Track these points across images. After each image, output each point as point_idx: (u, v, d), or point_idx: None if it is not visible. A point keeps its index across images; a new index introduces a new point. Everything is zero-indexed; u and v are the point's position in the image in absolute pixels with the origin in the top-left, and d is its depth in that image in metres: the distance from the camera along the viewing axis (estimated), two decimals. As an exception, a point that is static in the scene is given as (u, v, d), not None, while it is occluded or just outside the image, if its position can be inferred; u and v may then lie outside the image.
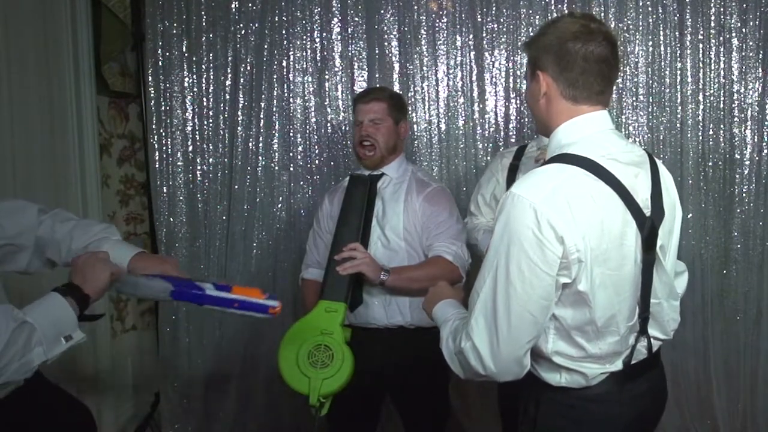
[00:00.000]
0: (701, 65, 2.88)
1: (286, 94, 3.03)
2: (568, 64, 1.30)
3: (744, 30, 2.85)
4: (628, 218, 1.28)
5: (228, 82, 3.03)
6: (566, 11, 2.89)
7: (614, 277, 1.29)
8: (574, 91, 1.32)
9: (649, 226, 1.31)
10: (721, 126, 2.90)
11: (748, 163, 2.89)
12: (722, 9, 2.85)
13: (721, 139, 2.90)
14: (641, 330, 1.38)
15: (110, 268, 1.49)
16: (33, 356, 1.32)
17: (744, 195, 2.90)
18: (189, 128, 3.05)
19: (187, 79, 3.03)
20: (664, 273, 1.38)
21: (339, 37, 2.99)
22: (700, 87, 2.89)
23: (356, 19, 2.97)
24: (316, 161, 3.05)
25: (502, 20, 2.94)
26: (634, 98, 2.92)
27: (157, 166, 3.04)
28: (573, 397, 1.36)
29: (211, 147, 3.06)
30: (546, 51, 1.32)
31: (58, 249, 1.65)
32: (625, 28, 2.88)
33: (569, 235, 1.21)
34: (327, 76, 3.01)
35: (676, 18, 2.87)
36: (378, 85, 2.88)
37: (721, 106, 2.89)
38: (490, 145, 2.99)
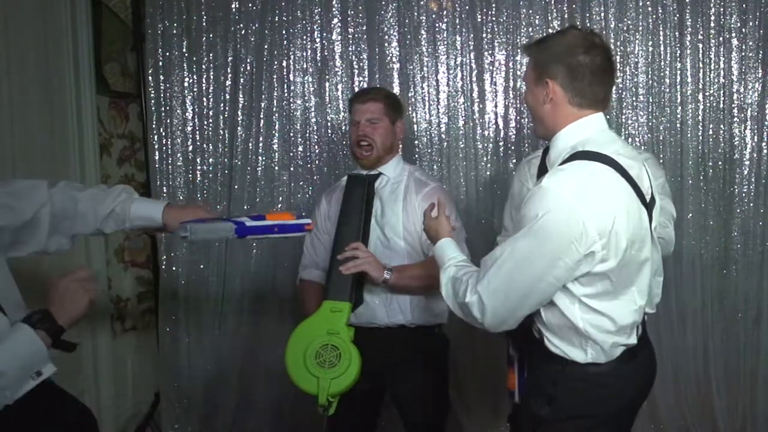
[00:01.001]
0: (701, 65, 2.89)
1: (286, 94, 3.03)
2: (579, 75, 1.42)
3: (744, 30, 2.85)
4: (640, 205, 1.43)
5: (228, 82, 3.02)
6: (565, 11, 2.91)
7: (637, 257, 1.43)
8: (582, 99, 1.44)
9: (650, 211, 1.47)
10: (721, 126, 2.90)
11: (748, 163, 2.89)
12: (722, 9, 2.85)
13: (721, 139, 2.90)
14: None
15: (90, 293, 1.43)
16: None
17: (744, 195, 2.90)
18: (189, 128, 3.05)
19: (187, 79, 3.03)
20: (655, 251, 1.53)
21: (339, 37, 2.99)
22: (700, 87, 2.89)
23: (356, 19, 2.97)
24: (316, 161, 3.05)
25: (502, 20, 2.94)
26: (634, 98, 2.92)
27: (157, 166, 3.04)
28: (590, 373, 1.46)
29: (211, 147, 3.06)
30: (557, 61, 1.44)
31: (84, 221, 1.67)
32: (625, 28, 2.89)
33: (595, 223, 1.33)
34: (327, 77, 3.01)
35: (676, 18, 2.87)
36: (376, 85, 2.88)
37: (721, 106, 2.90)
38: (490, 145, 2.99)
